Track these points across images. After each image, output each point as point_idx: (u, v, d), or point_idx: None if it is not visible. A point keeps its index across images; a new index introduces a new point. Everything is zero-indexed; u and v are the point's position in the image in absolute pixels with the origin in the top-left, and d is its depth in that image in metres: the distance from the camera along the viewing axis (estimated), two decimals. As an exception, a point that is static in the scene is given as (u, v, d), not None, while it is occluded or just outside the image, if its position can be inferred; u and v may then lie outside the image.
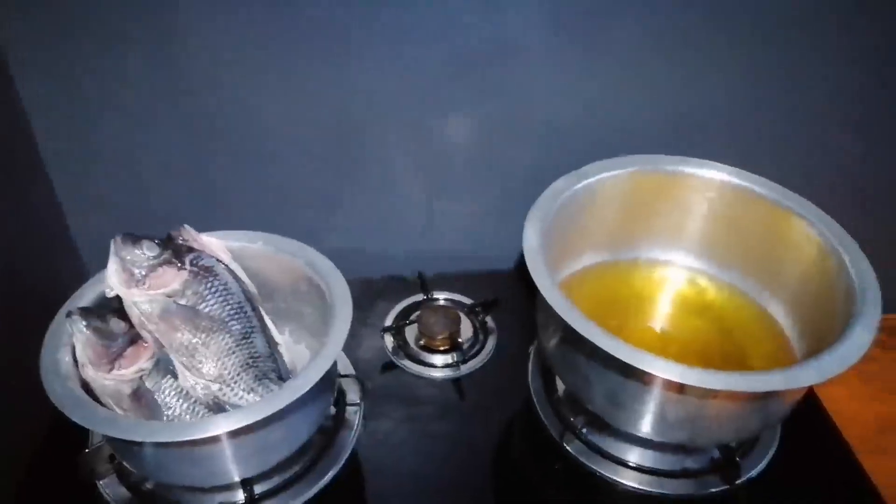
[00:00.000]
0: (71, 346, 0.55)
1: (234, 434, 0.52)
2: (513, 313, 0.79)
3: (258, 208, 0.77)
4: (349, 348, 0.73)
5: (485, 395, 0.71)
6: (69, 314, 0.55)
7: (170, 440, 0.48)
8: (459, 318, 0.76)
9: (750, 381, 0.49)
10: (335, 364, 0.63)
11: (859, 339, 0.53)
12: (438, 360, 0.74)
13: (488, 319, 0.77)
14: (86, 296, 0.59)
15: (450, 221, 0.80)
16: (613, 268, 0.72)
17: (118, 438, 0.50)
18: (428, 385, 0.72)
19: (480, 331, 0.76)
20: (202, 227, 0.63)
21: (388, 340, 0.75)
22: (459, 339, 0.75)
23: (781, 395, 0.55)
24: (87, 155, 0.72)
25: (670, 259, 0.72)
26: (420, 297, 0.79)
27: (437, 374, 0.73)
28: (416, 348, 0.74)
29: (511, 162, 0.76)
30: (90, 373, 0.55)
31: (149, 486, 0.61)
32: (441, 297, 0.79)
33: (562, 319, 0.53)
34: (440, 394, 0.71)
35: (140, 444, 0.51)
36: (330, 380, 0.60)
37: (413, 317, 0.76)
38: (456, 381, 0.72)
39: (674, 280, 0.72)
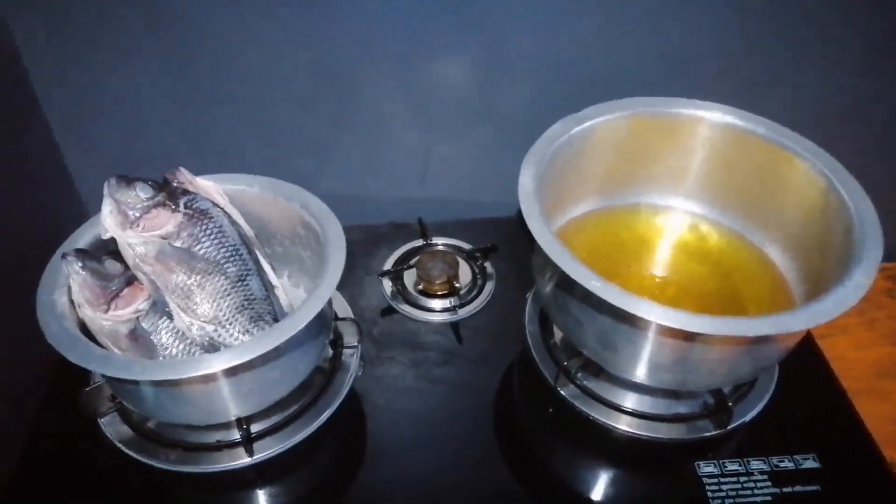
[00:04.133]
0: (67, 287, 0.56)
1: (227, 373, 0.53)
2: (512, 260, 0.79)
3: (256, 154, 0.77)
4: (349, 293, 0.74)
5: (482, 340, 0.72)
6: (64, 256, 0.55)
7: (160, 378, 0.49)
8: (458, 262, 0.76)
9: (736, 326, 0.49)
10: (330, 305, 0.63)
11: (855, 284, 0.52)
12: (437, 304, 0.74)
13: (487, 265, 0.77)
14: (82, 238, 0.60)
15: (448, 166, 0.80)
16: (613, 213, 0.71)
17: (113, 377, 0.52)
18: (426, 329, 0.72)
19: (479, 276, 0.76)
20: (199, 172, 0.63)
21: (387, 285, 0.75)
22: (457, 284, 0.75)
23: (772, 342, 0.55)
24: (83, 97, 0.72)
25: (670, 204, 0.71)
26: (420, 242, 0.79)
27: (436, 318, 0.73)
28: (414, 293, 0.75)
29: (506, 103, 0.75)
30: (87, 313, 0.56)
31: (150, 424, 0.62)
32: (440, 242, 0.79)
33: (555, 263, 0.53)
34: (438, 338, 0.72)
35: (134, 382, 0.53)
36: (324, 321, 0.61)
37: (412, 262, 0.76)
38: (454, 325, 0.73)
39: (674, 225, 0.71)
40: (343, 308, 0.71)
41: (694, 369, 0.56)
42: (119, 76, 0.71)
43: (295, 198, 0.63)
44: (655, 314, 0.49)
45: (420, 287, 0.75)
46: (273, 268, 0.65)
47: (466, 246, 0.79)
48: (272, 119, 0.75)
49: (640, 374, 0.58)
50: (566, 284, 0.56)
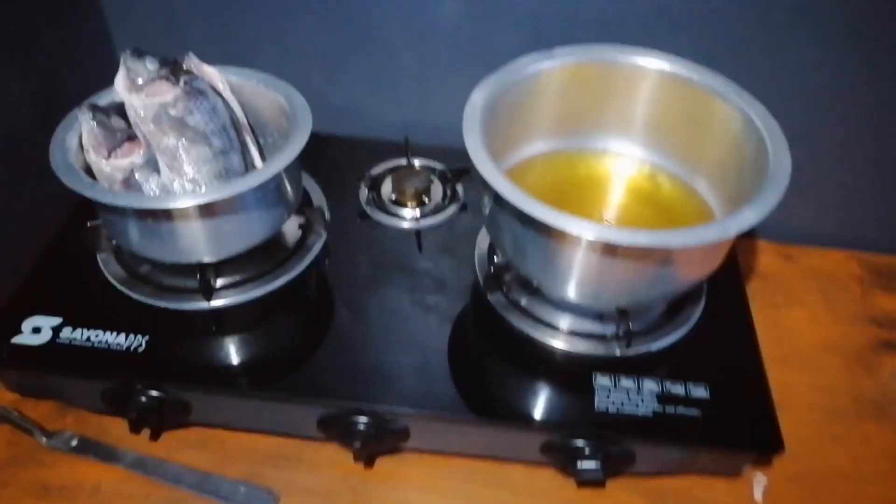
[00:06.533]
0: (80, 132, 0.68)
1: (185, 215, 0.63)
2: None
3: (275, 60, 0.87)
4: (330, 194, 0.83)
5: (439, 249, 0.79)
6: (80, 106, 0.67)
7: (119, 203, 0.61)
8: (431, 180, 0.83)
9: (614, 234, 0.55)
10: (295, 181, 0.72)
11: (742, 217, 0.56)
12: (407, 213, 0.82)
13: (458, 188, 0.84)
14: (104, 98, 0.71)
15: (441, 95, 0.87)
16: (573, 153, 0.76)
17: (104, 207, 0.64)
18: (392, 234, 0.80)
19: (449, 197, 0.84)
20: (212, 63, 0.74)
21: (363, 192, 0.84)
22: (426, 200, 0.83)
23: (667, 264, 0.59)
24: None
25: (616, 148, 0.76)
26: (403, 160, 0.87)
27: (403, 224, 0.81)
28: (387, 202, 0.83)
29: (498, 43, 0.82)
30: (91, 157, 0.67)
31: (143, 270, 0.74)
32: (421, 162, 0.87)
33: (473, 161, 0.60)
34: (401, 243, 0.80)
35: (113, 209, 0.64)
36: (282, 188, 0.70)
37: (390, 175, 0.85)
38: (417, 233, 0.80)
39: (619, 168, 0.76)
40: (319, 199, 0.81)
41: (590, 281, 0.61)
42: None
43: (280, 90, 0.72)
44: (543, 213, 0.55)
45: (393, 197, 0.83)
46: (262, 154, 0.75)
47: (441, 167, 0.86)
48: (292, 30, 0.86)
49: (546, 282, 0.64)
50: (487, 187, 0.62)
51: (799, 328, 0.83)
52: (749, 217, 0.56)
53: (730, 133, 0.66)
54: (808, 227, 0.92)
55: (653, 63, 0.70)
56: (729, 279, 0.76)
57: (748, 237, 0.92)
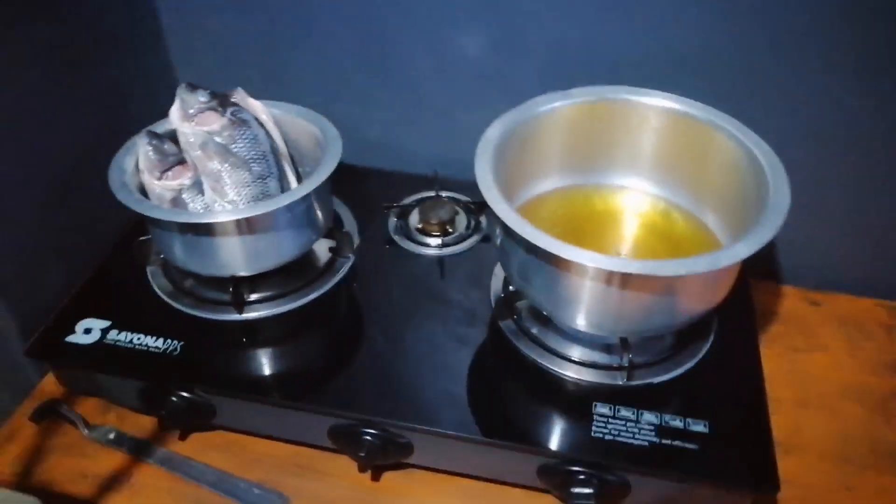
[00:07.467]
0: (137, 155, 0.76)
1: (221, 231, 0.70)
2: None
3: (314, 94, 0.93)
4: (360, 221, 0.89)
5: (459, 276, 0.83)
6: (139, 133, 0.76)
7: (160, 217, 0.68)
8: (456, 211, 0.88)
9: (608, 262, 0.57)
10: (322, 199, 0.78)
11: (734, 250, 0.58)
12: (431, 241, 0.87)
13: (482, 220, 0.89)
14: (161, 126, 0.79)
15: (468, 130, 0.92)
16: (579, 191, 0.80)
17: (151, 222, 0.71)
18: (417, 260, 0.85)
19: (473, 228, 0.88)
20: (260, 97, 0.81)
21: (392, 221, 0.89)
22: (450, 230, 0.87)
23: (665, 295, 0.61)
24: (195, 32, 0.96)
25: (627, 184, 0.79)
26: (431, 193, 0.92)
27: (427, 251, 0.86)
28: (414, 231, 0.88)
29: (519, 78, 0.87)
30: (145, 178, 0.75)
31: (186, 283, 0.81)
32: (447, 194, 0.92)
33: (481, 189, 0.64)
34: (424, 268, 0.84)
35: (159, 223, 0.71)
36: (310, 210, 0.76)
37: (418, 205, 0.90)
38: (440, 260, 0.85)
39: (633, 203, 0.79)
40: (350, 225, 0.87)
41: (590, 309, 0.64)
42: (222, 19, 0.92)
43: (316, 122, 0.79)
44: (542, 240, 0.59)
45: (419, 226, 0.88)
46: (300, 181, 0.81)
47: (467, 199, 0.91)
48: (331, 68, 0.93)
49: (550, 309, 0.67)
50: (496, 219, 0.66)
51: (818, 373, 0.82)
52: (741, 250, 0.58)
53: (733, 167, 0.68)
54: (837, 273, 0.91)
55: (660, 102, 0.73)
56: (741, 319, 0.76)
57: (772, 281, 0.92)
